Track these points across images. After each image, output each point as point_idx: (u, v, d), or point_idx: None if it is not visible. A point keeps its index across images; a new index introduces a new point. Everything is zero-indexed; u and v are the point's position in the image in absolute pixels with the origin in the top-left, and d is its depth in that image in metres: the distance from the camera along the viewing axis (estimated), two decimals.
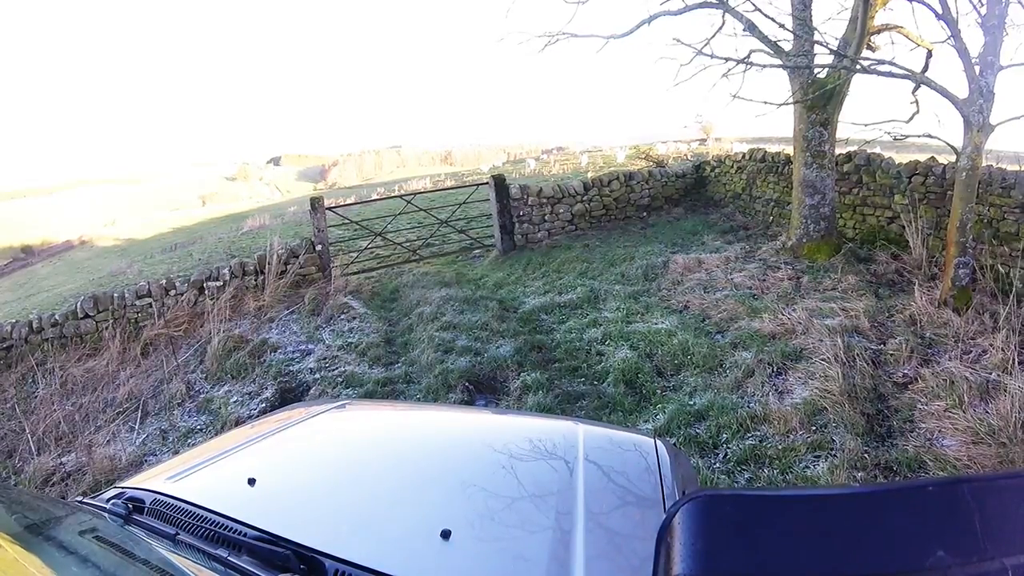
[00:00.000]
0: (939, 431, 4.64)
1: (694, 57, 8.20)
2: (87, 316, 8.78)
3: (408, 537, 1.56)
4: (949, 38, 6.53)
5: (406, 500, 1.76)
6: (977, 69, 6.41)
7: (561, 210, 12.05)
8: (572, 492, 1.70)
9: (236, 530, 1.55)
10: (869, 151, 9.89)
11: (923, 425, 4.73)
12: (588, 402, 5.65)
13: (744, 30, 8.29)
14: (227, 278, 9.22)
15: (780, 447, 4.64)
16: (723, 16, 8.45)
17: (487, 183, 11.84)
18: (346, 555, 1.40)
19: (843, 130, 8.87)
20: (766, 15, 7.75)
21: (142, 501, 1.80)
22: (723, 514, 0.75)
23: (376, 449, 2.23)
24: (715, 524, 0.75)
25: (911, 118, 7.68)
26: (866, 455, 4.43)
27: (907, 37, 8.01)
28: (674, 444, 3.04)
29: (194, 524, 1.62)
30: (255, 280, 9.36)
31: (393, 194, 20.05)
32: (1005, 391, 4.64)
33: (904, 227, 8.34)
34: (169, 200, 63.59)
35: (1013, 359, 5.13)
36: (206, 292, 9.09)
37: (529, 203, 11.76)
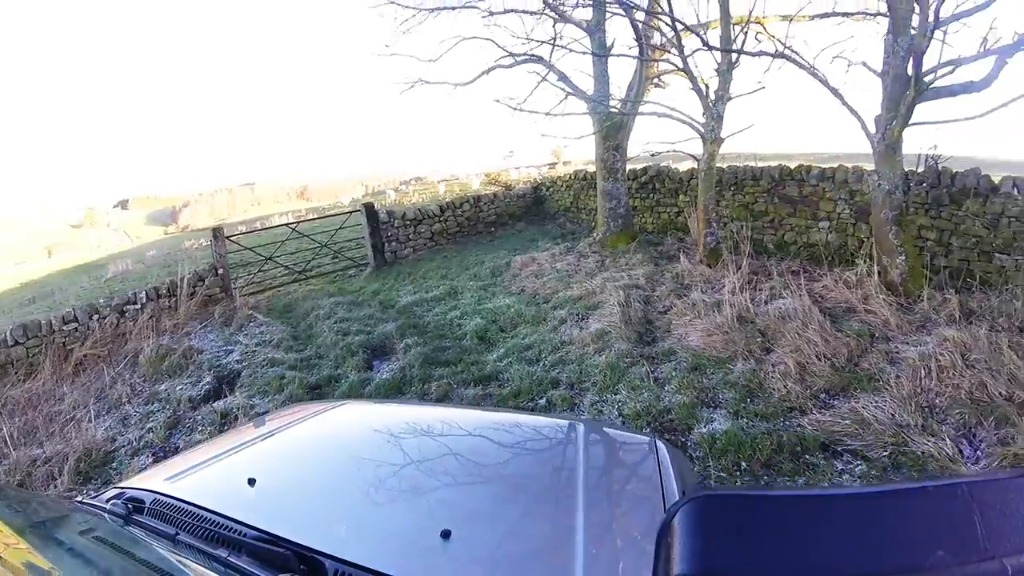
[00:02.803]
0: (686, 333, 5.60)
1: (516, 109, 8.47)
2: (16, 343, 7.58)
3: (408, 537, 1.30)
4: (692, 86, 7.30)
5: (406, 500, 1.47)
6: (712, 99, 7.26)
7: (423, 229, 11.74)
8: (572, 491, 1.42)
9: (236, 530, 1.28)
10: (660, 164, 10.09)
11: (676, 332, 5.72)
12: (452, 351, 6.10)
13: (558, 79, 8.59)
14: (144, 301, 8.35)
15: (578, 354, 5.53)
16: (546, 69, 8.64)
17: (359, 210, 11.33)
18: (346, 555, 1.16)
19: (633, 150, 9.35)
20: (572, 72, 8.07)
21: (142, 501, 1.49)
22: (723, 514, 0.64)
23: (376, 449, 1.82)
24: (715, 524, 0.63)
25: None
26: (634, 352, 5.36)
27: (679, 75, 8.26)
28: (668, 441, 2.50)
29: (194, 524, 1.34)
30: (169, 302, 8.54)
31: (278, 224, 18.31)
32: (729, 305, 5.76)
33: (687, 218, 8.93)
34: (12, 252, 44.69)
35: (736, 288, 6.12)
36: (127, 314, 8.20)
37: (396, 225, 11.39)
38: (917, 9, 5.31)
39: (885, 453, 3.61)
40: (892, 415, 3.86)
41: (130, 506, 1.44)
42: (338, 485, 1.59)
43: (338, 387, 5.60)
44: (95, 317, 7.91)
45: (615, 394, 4.71)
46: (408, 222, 11.52)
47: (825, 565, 0.58)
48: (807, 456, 3.68)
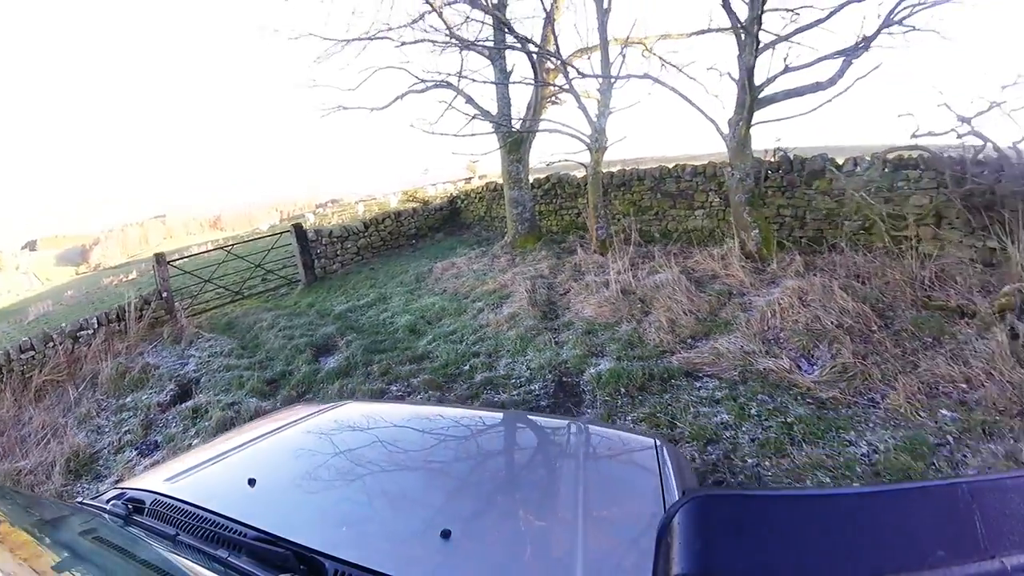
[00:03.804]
0: (581, 308, 5.79)
1: (430, 129, 8.27)
2: None
3: (408, 537, 1.16)
4: (580, 105, 7.42)
5: (406, 500, 1.33)
6: (595, 116, 7.39)
7: (349, 245, 11.17)
8: (573, 491, 1.28)
9: (236, 530, 1.14)
10: (561, 173, 10.08)
11: (573, 308, 5.91)
12: (387, 342, 6.07)
13: (466, 102, 8.43)
14: (96, 326, 7.64)
15: (494, 332, 5.68)
16: (454, 93, 8.45)
17: (289, 231, 10.69)
18: (346, 555, 1.04)
19: (534, 162, 9.40)
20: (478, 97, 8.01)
21: (142, 502, 1.33)
22: (722, 514, 0.59)
23: (376, 449, 1.63)
24: (714, 524, 0.58)
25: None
26: (540, 326, 5.55)
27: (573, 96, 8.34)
28: (670, 441, 2.26)
29: (194, 524, 1.19)
30: (119, 326, 7.84)
31: (212, 248, 16.09)
32: (615, 283, 5.95)
33: (585, 218, 8.92)
34: None
35: (621, 269, 6.23)
36: (80, 340, 7.49)
37: (323, 243, 10.78)
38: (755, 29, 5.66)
39: (735, 373, 4.03)
40: (741, 347, 4.27)
41: (130, 506, 1.30)
42: (338, 485, 1.42)
43: (292, 379, 5.44)
44: (50, 344, 7.19)
45: (524, 356, 4.99)
46: (335, 239, 10.95)
47: (825, 565, 0.53)
48: (673, 381, 4.10)
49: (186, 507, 1.25)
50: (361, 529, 1.21)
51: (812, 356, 4.10)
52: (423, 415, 1.98)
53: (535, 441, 1.68)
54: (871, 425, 3.34)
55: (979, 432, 3.07)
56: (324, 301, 8.64)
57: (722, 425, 3.50)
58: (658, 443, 1.52)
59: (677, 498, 1.17)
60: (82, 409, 5.71)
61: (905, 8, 5.22)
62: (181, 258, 10.73)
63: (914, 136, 5.47)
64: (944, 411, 3.34)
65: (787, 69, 5.69)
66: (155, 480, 1.47)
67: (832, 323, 4.31)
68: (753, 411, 3.61)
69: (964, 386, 3.52)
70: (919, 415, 3.33)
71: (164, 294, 8.48)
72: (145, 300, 8.30)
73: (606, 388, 4.14)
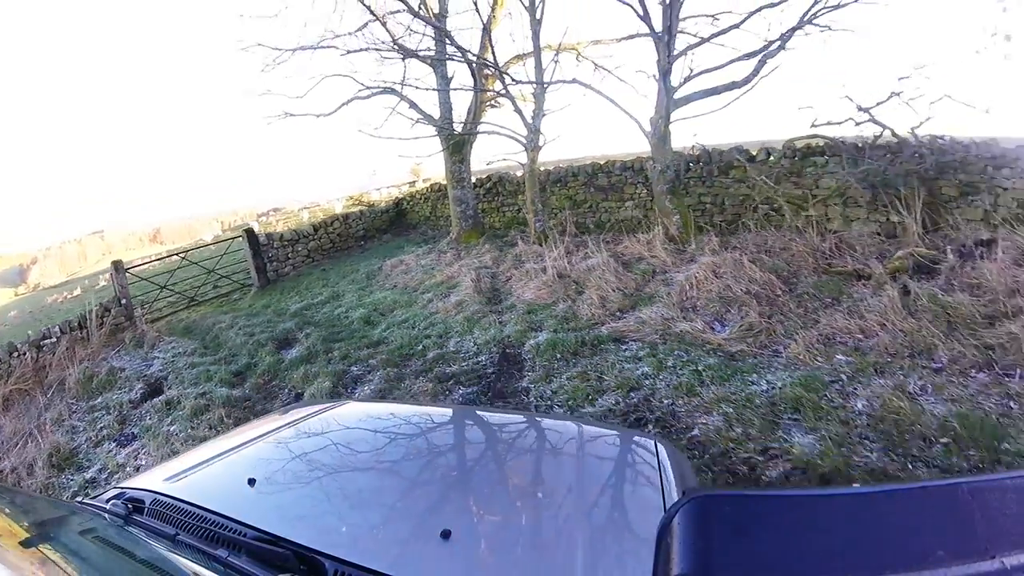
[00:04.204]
0: (522, 292, 5.88)
1: (376, 133, 8.07)
2: None
3: (408, 537, 1.07)
4: (516, 108, 7.41)
5: (406, 500, 1.23)
6: (530, 118, 7.40)
7: (300, 248, 10.67)
8: (572, 491, 1.18)
9: (236, 530, 1.06)
10: (502, 172, 9.90)
11: (515, 292, 5.98)
12: (344, 333, 5.96)
13: (410, 107, 8.26)
14: (59, 335, 7.11)
15: (443, 318, 5.68)
16: (398, 100, 8.26)
17: (241, 236, 10.13)
18: (346, 555, 0.96)
19: (476, 162, 9.30)
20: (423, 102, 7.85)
21: (142, 501, 1.24)
22: (722, 514, 0.55)
23: (376, 449, 1.51)
24: (714, 524, 0.54)
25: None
26: (484, 309, 5.61)
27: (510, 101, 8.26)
28: (671, 442, 2.01)
29: (194, 524, 1.11)
30: (81, 333, 7.31)
31: (166, 255, 15.24)
32: (552, 268, 6.05)
33: (525, 213, 8.89)
34: None
35: (557, 256, 6.33)
36: (44, 349, 6.94)
37: (275, 247, 10.27)
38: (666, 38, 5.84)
39: (656, 336, 4.29)
40: (662, 315, 4.52)
41: (130, 506, 1.21)
42: (338, 485, 1.32)
43: (257, 369, 5.34)
44: (15, 355, 6.70)
45: (471, 335, 5.08)
46: (286, 242, 10.47)
47: (825, 565, 0.49)
48: (602, 347, 4.29)
49: (186, 507, 1.17)
50: (361, 529, 1.13)
51: (724, 319, 4.37)
52: (423, 415, 1.85)
53: (535, 441, 1.57)
54: (772, 370, 3.58)
55: (871, 371, 3.34)
56: (279, 302, 8.32)
57: (643, 375, 3.75)
58: (658, 443, 1.41)
59: (677, 498, 1.12)
60: (53, 413, 5.37)
61: (825, 8, 5.40)
62: (136, 265, 10.09)
63: (813, 126, 5.78)
64: (840, 356, 3.61)
65: (690, 76, 5.93)
66: (155, 480, 1.38)
67: (742, 291, 4.58)
68: (670, 364, 3.85)
69: (860, 336, 3.79)
70: (816, 360, 3.59)
71: (123, 301, 7.97)
72: (105, 307, 7.80)
73: (544, 355, 4.31)
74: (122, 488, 1.37)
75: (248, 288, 9.80)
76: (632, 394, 3.57)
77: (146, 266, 10.67)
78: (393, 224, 12.32)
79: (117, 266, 8.24)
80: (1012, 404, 2.90)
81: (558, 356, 4.28)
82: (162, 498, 1.23)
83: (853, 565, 0.48)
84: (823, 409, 3.05)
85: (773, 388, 3.35)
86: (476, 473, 1.36)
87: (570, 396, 3.70)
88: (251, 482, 1.25)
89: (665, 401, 3.43)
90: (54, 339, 7.07)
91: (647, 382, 3.67)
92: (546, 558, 0.98)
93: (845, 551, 0.49)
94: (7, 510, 1.15)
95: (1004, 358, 3.24)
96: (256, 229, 19.89)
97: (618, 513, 1.16)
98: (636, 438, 1.55)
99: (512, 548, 1.03)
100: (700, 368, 3.69)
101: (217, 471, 1.42)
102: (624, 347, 4.24)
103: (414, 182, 19.78)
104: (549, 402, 3.71)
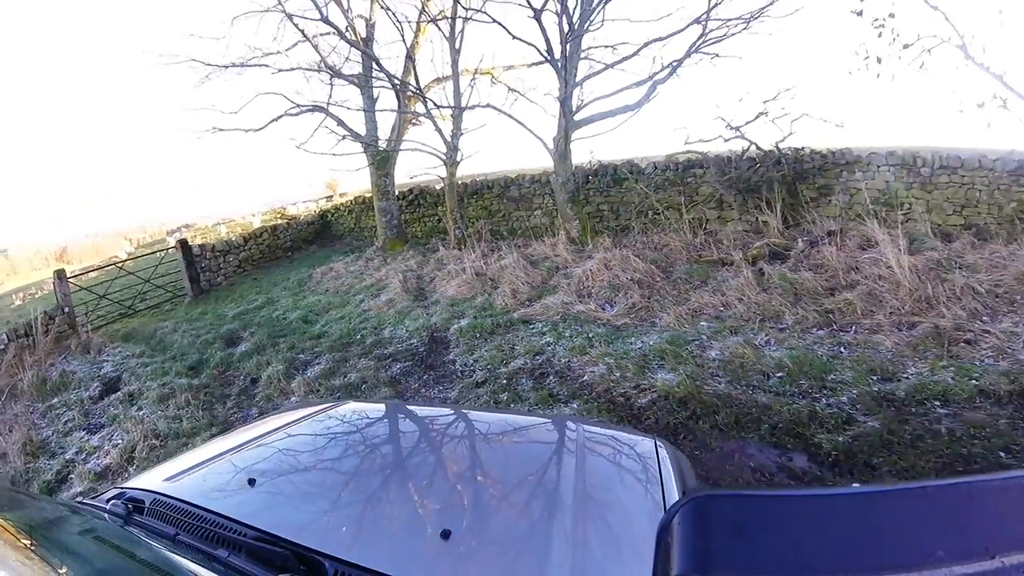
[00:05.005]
0: (445, 289, 5.82)
1: (299, 148, 7.56)
2: None
3: (408, 537, 0.94)
4: (437, 128, 7.22)
5: (406, 500, 1.08)
6: (449, 136, 7.29)
7: (231, 259, 9.57)
8: (572, 492, 1.02)
9: (236, 530, 0.92)
10: (423, 185, 9.42)
11: (439, 290, 5.90)
12: (286, 331, 5.68)
13: (338, 124, 7.72)
14: (6, 342, 6.10)
15: (376, 313, 5.58)
16: (324, 116, 7.67)
17: (175, 247, 9.01)
18: (346, 555, 0.84)
19: (400, 176, 8.80)
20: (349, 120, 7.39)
21: (142, 501, 1.07)
22: (722, 514, 0.48)
23: (376, 449, 1.35)
24: (714, 524, 0.47)
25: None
26: (413, 305, 5.57)
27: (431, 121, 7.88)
28: (667, 441, 1.66)
29: (194, 524, 0.96)
30: (27, 341, 6.26)
31: (99, 266, 13.23)
32: (470, 268, 6.00)
33: (446, 223, 8.58)
34: None
35: (474, 258, 6.25)
36: None
37: (207, 257, 9.16)
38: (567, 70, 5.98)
39: (557, 317, 4.54)
40: (563, 300, 4.80)
41: (130, 506, 1.04)
42: (338, 485, 1.16)
43: (211, 362, 4.99)
44: None
45: (403, 324, 5.05)
46: (218, 253, 9.38)
47: (825, 565, 0.43)
48: (513, 327, 4.51)
49: (186, 507, 1.02)
50: (361, 529, 0.99)
51: (613, 301, 4.69)
52: (423, 415, 1.67)
53: (535, 441, 1.40)
54: (648, 335, 3.93)
55: (727, 333, 3.76)
56: (216, 309, 7.52)
57: (546, 344, 4.06)
58: (658, 443, 1.26)
59: (677, 498, 1.01)
60: (10, 415, 4.64)
61: (710, 40, 5.65)
62: (74, 275, 8.58)
63: (687, 143, 6.16)
64: (703, 323, 4.03)
65: (583, 104, 6.12)
66: (155, 480, 1.20)
67: (628, 279, 4.89)
68: (567, 335, 4.14)
69: (721, 308, 4.19)
70: (684, 327, 3.99)
71: (66, 309, 6.97)
72: (49, 316, 6.79)
73: (466, 335, 4.48)
74: (122, 488, 1.19)
75: (183, 297, 8.72)
76: (537, 357, 3.87)
77: (82, 277, 9.13)
78: (319, 236, 11.28)
79: (60, 275, 7.21)
80: (843, 349, 3.36)
81: (478, 335, 4.45)
82: (162, 498, 1.08)
83: (853, 565, 0.43)
84: (683, 357, 3.45)
85: (646, 346, 3.71)
86: (476, 473, 1.20)
87: (488, 362, 3.93)
88: (251, 482, 1.11)
89: (563, 360, 3.74)
90: (1, 346, 6.10)
91: (549, 348, 3.97)
92: (546, 558, 0.86)
93: (845, 551, 0.44)
94: (7, 510, 0.99)
95: (842, 319, 3.71)
96: (171, 244, 17.13)
97: (618, 513, 1.02)
98: (636, 438, 1.35)
99: (512, 548, 0.91)
100: (591, 336, 4.02)
101: (217, 471, 1.24)
102: (532, 326, 4.47)
103: (331, 196, 18.09)
104: (472, 368, 3.93)
